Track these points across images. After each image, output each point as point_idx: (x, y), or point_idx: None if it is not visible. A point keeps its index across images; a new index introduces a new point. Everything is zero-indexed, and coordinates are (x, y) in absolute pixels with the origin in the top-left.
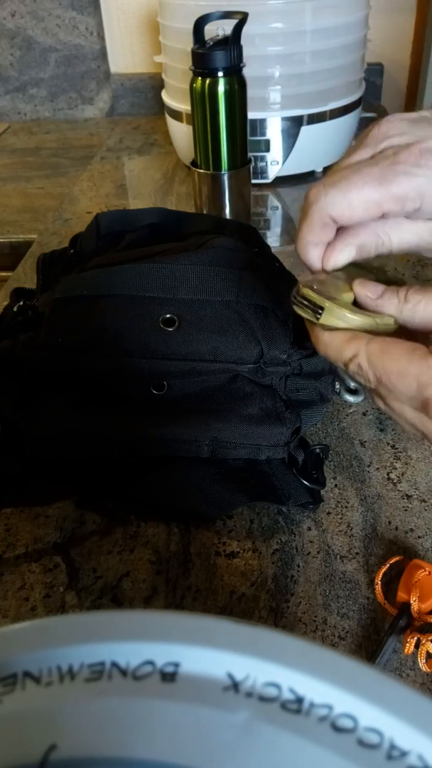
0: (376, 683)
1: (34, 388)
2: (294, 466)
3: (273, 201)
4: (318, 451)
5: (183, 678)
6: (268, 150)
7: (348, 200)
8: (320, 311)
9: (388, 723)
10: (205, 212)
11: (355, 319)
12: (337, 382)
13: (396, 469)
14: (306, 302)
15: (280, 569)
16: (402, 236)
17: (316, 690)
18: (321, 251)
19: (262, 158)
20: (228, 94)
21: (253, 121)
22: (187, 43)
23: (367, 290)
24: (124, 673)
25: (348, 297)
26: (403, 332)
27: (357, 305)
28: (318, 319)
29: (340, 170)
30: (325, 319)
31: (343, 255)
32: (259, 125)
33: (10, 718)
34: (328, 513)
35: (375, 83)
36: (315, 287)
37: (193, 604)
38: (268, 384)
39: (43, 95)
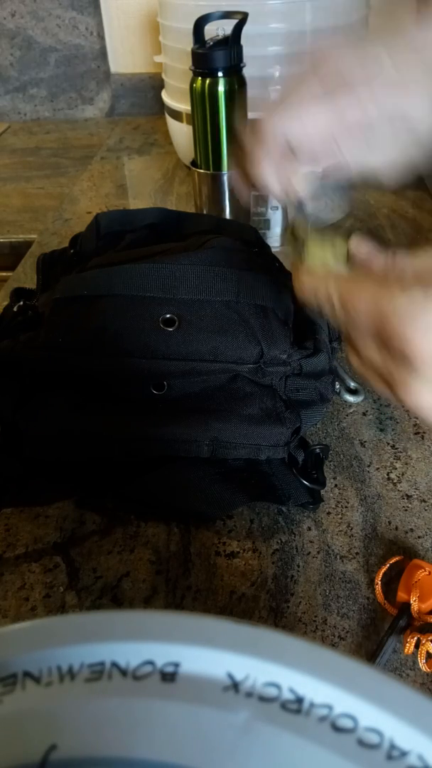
0: (376, 683)
1: (34, 388)
2: (294, 466)
3: (273, 201)
4: (318, 451)
5: (183, 678)
6: None
7: (303, 124)
8: (306, 249)
9: (388, 723)
10: (205, 212)
11: (337, 263)
12: (337, 382)
13: (396, 469)
14: (298, 241)
15: (280, 569)
16: (361, 161)
17: (316, 690)
18: (280, 175)
19: None
20: (228, 94)
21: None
22: (187, 43)
23: (361, 246)
24: (124, 673)
25: (341, 249)
26: None
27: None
28: (303, 256)
29: (293, 97)
30: (310, 256)
31: (303, 176)
32: None
33: (10, 718)
34: (328, 513)
35: None
36: (310, 230)
37: (193, 604)
38: (268, 384)
39: (43, 95)
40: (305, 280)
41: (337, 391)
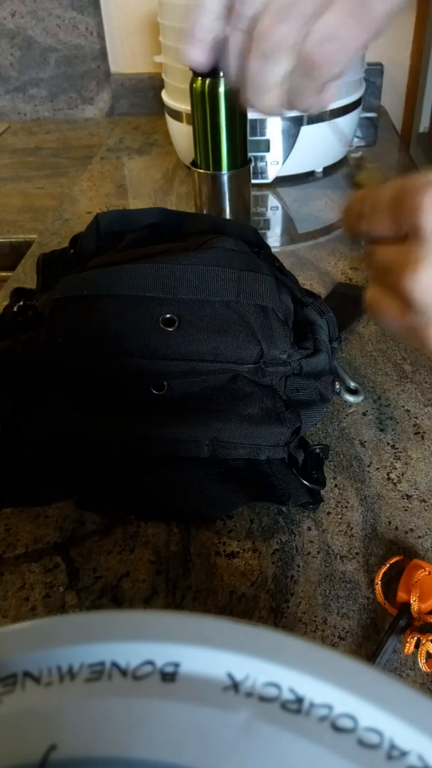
0: (376, 683)
1: (34, 388)
2: (294, 466)
3: (273, 201)
4: (318, 451)
5: (183, 678)
6: (268, 150)
7: (334, 33)
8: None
9: (388, 723)
10: (205, 212)
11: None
12: (337, 382)
13: (396, 469)
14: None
15: (280, 569)
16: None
17: (316, 690)
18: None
19: (262, 158)
20: (228, 94)
21: (253, 121)
22: None
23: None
24: (124, 673)
25: None
26: None
27: None
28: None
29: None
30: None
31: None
32: (259, 125)
33: (10, 718)
34: (328, 513)
35: (375, 83)
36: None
37: (193, 604)
38: (268, 384)
39: (43, 95)
40: (349, 198)
41: (337, 391)
